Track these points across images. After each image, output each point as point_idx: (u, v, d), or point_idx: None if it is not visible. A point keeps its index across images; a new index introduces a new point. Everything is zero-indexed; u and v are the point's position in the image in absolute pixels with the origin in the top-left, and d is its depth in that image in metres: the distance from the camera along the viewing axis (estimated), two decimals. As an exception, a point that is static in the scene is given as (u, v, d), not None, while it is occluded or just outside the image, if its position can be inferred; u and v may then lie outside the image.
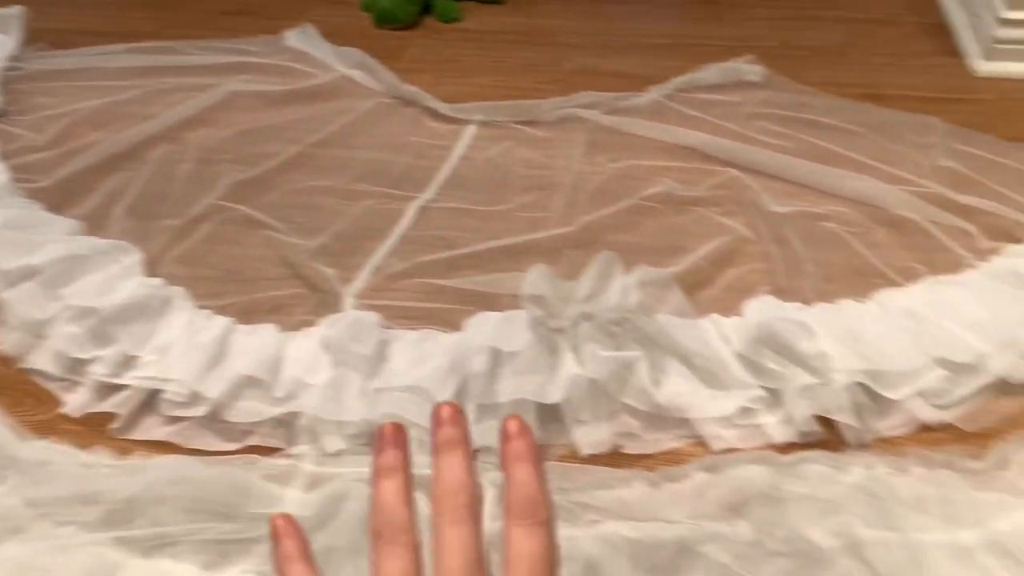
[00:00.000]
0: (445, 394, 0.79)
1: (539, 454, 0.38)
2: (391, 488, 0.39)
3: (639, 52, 1.44)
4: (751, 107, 1.27)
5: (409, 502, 0.39)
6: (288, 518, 0.43)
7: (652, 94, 1.30)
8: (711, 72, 1.34)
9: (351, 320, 0.86)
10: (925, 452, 0.75)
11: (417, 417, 0.79)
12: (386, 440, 0.40)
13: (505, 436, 0.38)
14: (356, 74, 1.38)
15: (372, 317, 0.87)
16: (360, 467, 0.76)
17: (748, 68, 1.34)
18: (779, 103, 1.28)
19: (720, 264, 1.00)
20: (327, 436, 0.80)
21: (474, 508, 0.38)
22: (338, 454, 0.78)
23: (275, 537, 0.42)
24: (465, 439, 0.39)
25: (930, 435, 0.79)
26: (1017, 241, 0.99)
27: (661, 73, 1.34)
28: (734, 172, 1.13)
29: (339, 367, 0.83)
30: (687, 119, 1.25)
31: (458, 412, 0.40)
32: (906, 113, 1.24)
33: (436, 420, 0.39)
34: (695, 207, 1.09)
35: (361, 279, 0.98)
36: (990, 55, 1.33)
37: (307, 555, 0.42)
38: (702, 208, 1.09)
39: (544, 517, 0.37)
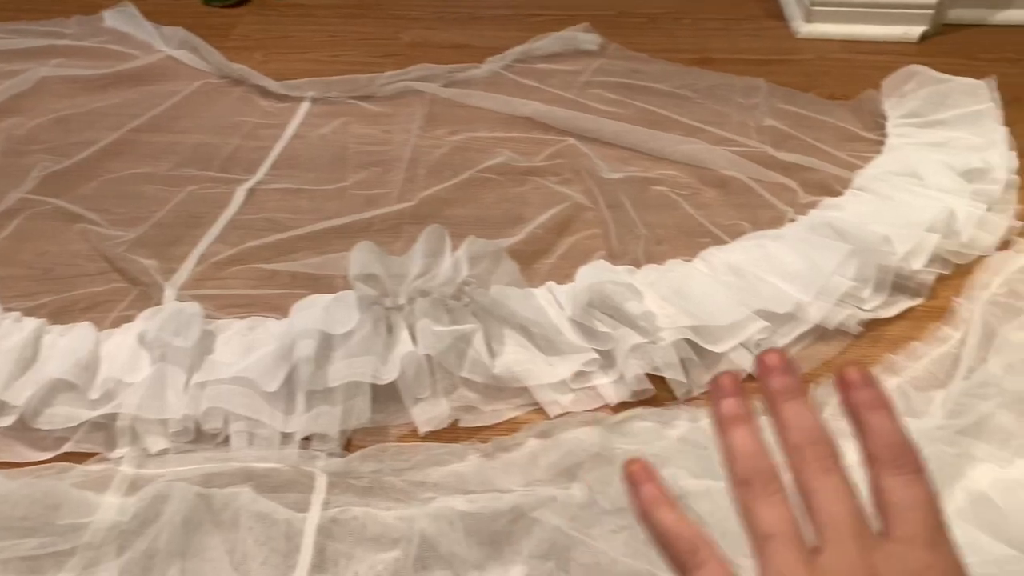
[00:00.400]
0: (274, 383, 0.76)
1: (891, 401, 0.36)
2: (745, 435, 0.37)
3: (476, 23, 1.43)
4: (587, 75, 1.28)
5: (767, 448, 0.37)
6: (642, 462, 0.39)
7: (490, 65, 1.30)
8: (548, 42, 1.34)
9: (171, 312, 0.82)
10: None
11: (244, 409, 0.76)
12: (725, 390, 0.38)
13: (847, 385, 0.36)
14: (181, 54, 1.31)
15: (194, 308, 0.83)
16: (185, 465, 0.73)
17: (584, 37, 1.36)
18: (614, 71, 1.29)
19: (558, 232, 1.01)
20: (149, 436, 0.76)
21: (837, 456, 0.36)
22: (162, 454, 0.75)
23: (632, 483, 0.38)
24: (802, 385, 0.37)
25: (754, 384, 0.81)
26: (834, 194, 1.04)
27: (498, 44, 1.34)
28: (571, 140, 1.14)
29: (159, 363, 0.79)
30: (525, 89, 1.25)
31: (786, 358, 0.37)
32: (734, 76, 1.28)
33: (763, 369, 0.37)
34: (533, 176, 1.09)
35: (185, 269, 0.94)
36: (809, 17, 1.39)
37: (671, 498, 0.38)
38: (540, 177, 1.09)
39: (921, 464, 0.35)
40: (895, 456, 0.35)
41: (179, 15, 1.39)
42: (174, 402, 0.76)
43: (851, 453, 0.36)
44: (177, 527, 0.66)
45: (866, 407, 0.36)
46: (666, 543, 0.37)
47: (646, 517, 0.38)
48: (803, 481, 0.36)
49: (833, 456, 0.36)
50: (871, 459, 0.35)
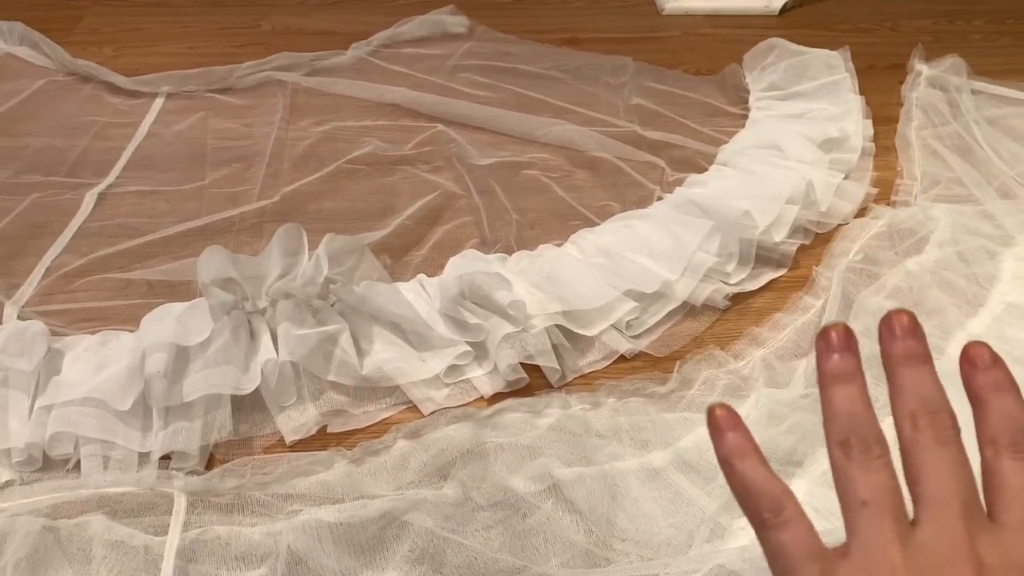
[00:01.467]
0: (126, 402, 0.72)
1: (1016, 385, 0.34)
2: (849, 394, 0.34)
3: (340, 8, 1.38)
4: (455, 59, 1.26)
5: (872, 409, 0.34)
6: (727, 408, 0.36)
7: (355, 51, 1.26)
8: (414, 25, 1.31)
9: (11, 332, 0.77)
10: (616, 383, 0.78)
11: (96, 432, 0.72)
12: (834, 344, 0.35)
13: (972, 363, 0.34)
14: (20, 51, 1.23)
15: (37, 326, 0.77)
16: (31, 497, 0.68)
17: (451, 19, 1.33)
18: (482, 53, 1.28)
19: (429, 222, 0.99)
20: (-10, 468, 0.71)
21: (957, 429, 0.33)
22: (6, 486, 0.70)
23: (716, 431, 0.35)
24: (927, 352, 0.35)
25: (627, 365, 0.82)
26: (700, 170, 1.05)
27: (364, 29, 1.30)
28: (440, 127, 1.12)
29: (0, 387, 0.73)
30: (392, 75, 1.22)
31: (916, 320, 0.35)
32: (602, 55, 1.28)
33: (890, 329, 0.35)
34: (403, 166, 1.07)
35: (29, 284, 0.88)
36: (673, -7, 1.40)
37: (757, 448, 0.35)
38: (409, 166, 1.07)
39: None
40: (1015, 440, 0.33)
41: (18, 7, 1.30)
42: (17, 430, 0.71)
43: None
44: (22, 565, 0.62)
45: (991, 388, 0.34)
46: (748, 498, 0.35)
47: (728, 468, 0.36)
48: (913, 451, 0.34)
49: (953, 428, 0.34)
50: (988, 441, 0.34)
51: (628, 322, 0.85)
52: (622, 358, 0.83)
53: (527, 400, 0.76)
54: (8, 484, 0.70)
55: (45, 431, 0.71)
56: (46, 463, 0.72)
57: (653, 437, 0.73)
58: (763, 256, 0.92)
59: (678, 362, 0.80)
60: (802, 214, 0.94)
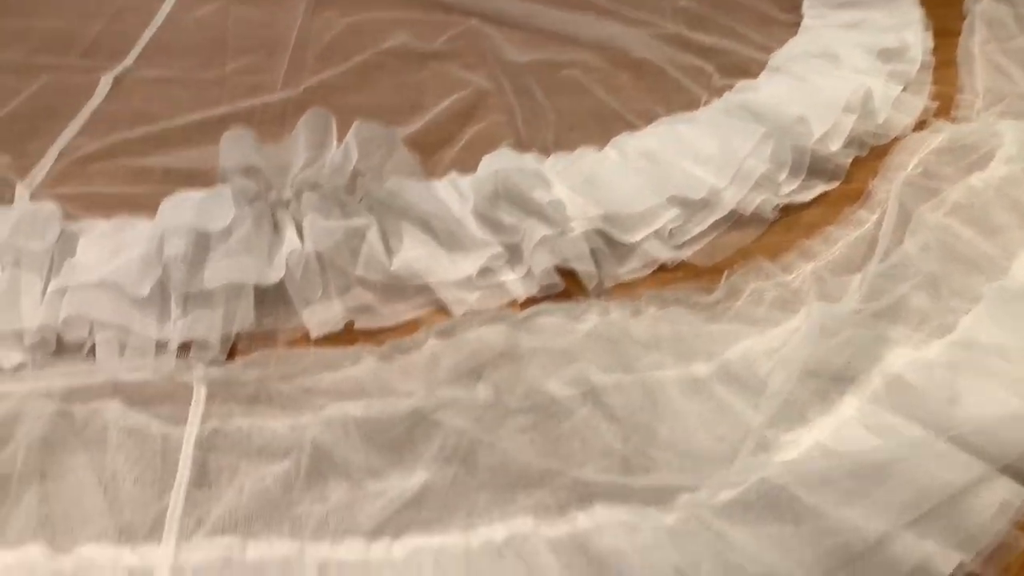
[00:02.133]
0: (144, 287, 0.69)
1: None
2: None
3: None
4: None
5: None
6: None
7: (385, -60, 1.18)
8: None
9: (23, 213, 0.73)
10: (658, 292, 0.74)
11: (111, 316, 0.68)
12: None
13: None
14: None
15: (50, 208, 0.73)
16: (44, 380, 0.65)
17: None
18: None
19: (461, 121, 0.94)
20: (2, 350, 0.67)
21: None
22: (17, 369, 0.67)
23: None
24: None
25: (667, 275, 0.78)
26: (749, 77, 0.99)
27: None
28: (474, 22, 1.06)
29: (11, 268, 0.70)
30: (424, -33, 1.15)
31: None
32: (648, -46, 1.20)
33: None
34: (433, 61, 1.01)
35: (43, 166, 0.83)
36: None
37: None
38: (440, 62, 1.01)
39: None
40: None
41: None
42: (29, 311, 0.68)
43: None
44: (35, 447, 0.59)
45: None
46: None
47: None
48: None
49: None
50: None
51: (671, 230, 0.80)
52: (663, 268, 0.78)
53: (564, 304, 0.72)
54: (20, 367, 0.67)
55: (58, 314, 0.68)
56: (59, 347, 0.68)
57: (696, 348, 0.69)
58: (815, 167, 0.86)
59: (726, 271, 0.75)
60: (859, 124, 0.89)
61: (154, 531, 0.57)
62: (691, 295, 0.73)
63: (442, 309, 0.74)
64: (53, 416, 0.61)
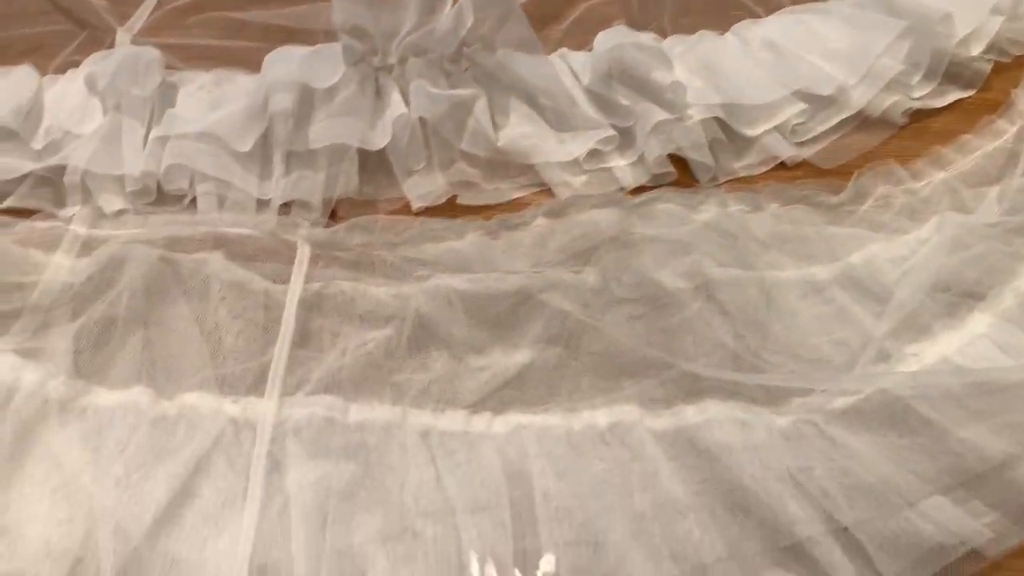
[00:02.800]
0: (246, 142, 0.67)
1: None
2: None
3: None
4: None
5: None
6: None
7: None
8: None
9: (125, 56, 0.70)
10: (782, 187, 0.69)
11: (213, 169, 0.66)
12: None
13: None
14: None
15: (152, 53, 0.71)
16: (145, 227, 0.64)
17: None
18: None
19: (569, -5, 0.88)
20: (103, 194, 0.66)
21: None
22: (118, 215, 0.66)
23: None
24: None
25: (786, 173, 0.73)
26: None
27: None
28: None
29: (113, 113, 0.68)
30: None
31: None
32: None
33: None
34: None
35: (141, 13, 0.81)
36: None
37: None
38: (551, -66, 0.94)
39: None
40: None
41: None
42: (131, 157, 0.66)
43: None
44: (138, 293, 0.58)
45: None
46: None
47: None
48: None
49: None
50: None
51: (794, 126, 0.75)
52: (782, 165, 0.74)
53: (683, 192, 0.68)
54: (122, 212, 0.66)
55: (160, 163, 0.66)
56: (160, 197, 0.67)
57: (818, 250, 0.66)
58: (952, 72, 0.80)
59: (856, 171, 0.71)
60: (1006, 27, 0.81)
61: (256, 385, 0.57)
62: (817, 194, 0.69)
63: (546, 191, 0.71)
64: (156, 264, 0.60)
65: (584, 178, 0.72)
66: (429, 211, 0.69)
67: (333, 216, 0.68)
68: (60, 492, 0.51)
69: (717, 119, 0.73)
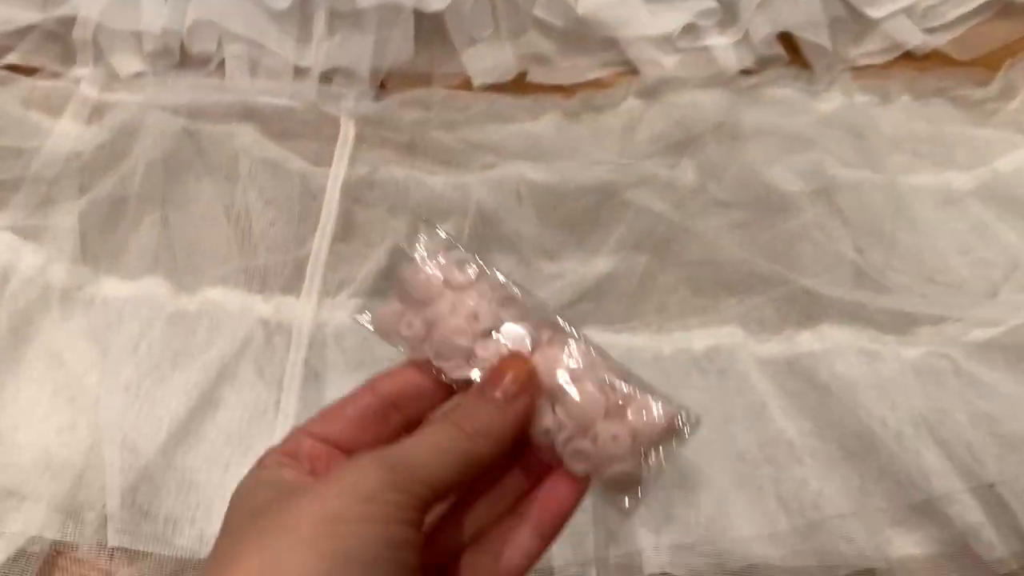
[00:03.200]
0: (284, -2, 0.56)
1: None
2: None
3: None
4: None
5: None
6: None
7: None
8: None
9: None
10: (915, 77, 0.58)
11: (244, 29, 0.57)
12: None
13: None
14: None
15: None
16: (165, 93, 0.55)
17: None
18: None
19: None
20: (118, 54, 0.57)
21: None
22: (134, 77, 0.56)
23: None
24: None
25: (914, 64, 0.62)
26: None
27: None
28: None
29: (129, -42, 0.58)
30: None
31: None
32: None
33: None
34: None
35: None
36: None
37: None
38: None
39: None
40: None
41: None
42: (151, 11, 0.57)
43: None
44: (155, 167, 0.50)
45: None
46: None
47: None
48: None
49: None
50: None
51: (924, 9, 0.63)
52: (908, 56, 0.62)
53: (803, 75, 0.57)
54: (139, 76, 0.56)
55: (184, 19, 0.56)
56: (183, 60, 0.57)
57: (958, 153, 0.55)
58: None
59: (1008, 60, 0.59)
60: None
61: (292, 283, 0.48)
62: (957, 86, 0.58)
63: (631, 71, 0.61)
64: (177, 134, 0.51)
65: (677, 58, 0.61)
66: (492, 90, 0.58)
67: (382, 89, 0.58)
68: (61, 395, 0.43)
69: (838, -6, 0.61)
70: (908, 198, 0.53)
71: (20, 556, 0.40)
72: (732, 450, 0.44)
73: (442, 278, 0.31)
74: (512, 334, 0.31)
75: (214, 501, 0.41)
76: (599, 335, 0.48)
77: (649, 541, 0.41)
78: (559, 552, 0.40)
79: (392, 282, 0.34)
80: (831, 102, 0.56)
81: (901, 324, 0.49)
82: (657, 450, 0.30)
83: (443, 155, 0.53)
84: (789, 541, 0.42)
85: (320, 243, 0.49)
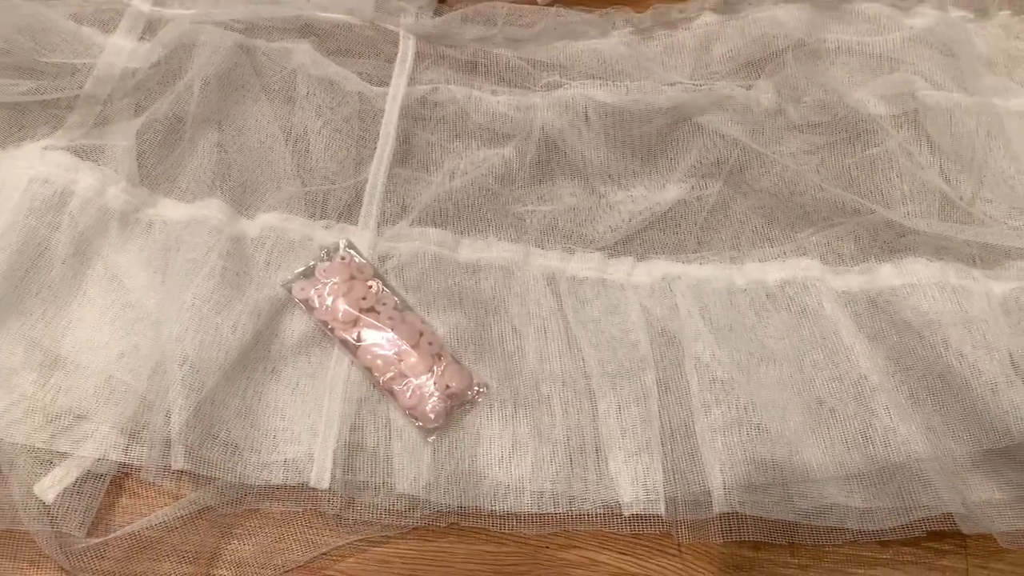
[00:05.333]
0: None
1: None
2: None
3: None
4: None
5: None
6: None
7: None
8: None
9: None
10: (1018, -10, 0.54)
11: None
12: None
13: None
14: None
15: None
16: (214, 6, 0.52)
17: None
18: None
19: None
20: (170, -34, 0.55)
21: None
22: (189, -9, 0.54)
23: None
24: None
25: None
26: None
27: None
28: None
29: None
30: None
31: None
32: None
33: None
34: None
35: None
36: None
37: None
38: None
39: None
40: None
41: None
42: (202, -80, 0.54)
43: None
44: (211, 85, 0.48)
45: None
46: None
47: None
48: None
49: None
50: None
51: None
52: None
53: (893, -13, 0.53)
54: (193, -11, 0.54)
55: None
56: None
57: (1059, 74, 0.51)
58: None
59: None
60: None
61: (350, 209, 0.47)
62: (1063, 0, 0.53)
63: (706, -15, 0.57)
64: (232, 51, 0.49)
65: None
66: (558, 4, 0.55)
67: (442, 3, 0.55)
68: (122, 318, 0.43)
69: None
70: (1003, 123, 0.49)
71: (88, 478, 0.40)
72: (807, 389, 0.42)
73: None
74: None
75: (275, 431, 0.41)
76: (670, 265, 0.46)
77: (719, 480, 0.39)
78: (629, 489, 0.40)
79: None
80: (922, 17, 0.52)
81: (990, 258, 0.46)
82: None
83: (506, 74, 0.51)
84: (864, 483, 0.40)
85: (378, 169, 0.47)
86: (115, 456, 0.41)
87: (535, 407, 0.41)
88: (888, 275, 0.45)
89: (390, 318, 0.43)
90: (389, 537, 0.41)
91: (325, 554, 0.41)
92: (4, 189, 0.44)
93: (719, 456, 0.40)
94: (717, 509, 0.39)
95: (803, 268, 0.46)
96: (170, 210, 0.46)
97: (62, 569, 0.39)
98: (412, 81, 0.50)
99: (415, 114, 0.49)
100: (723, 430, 0.41)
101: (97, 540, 0.39)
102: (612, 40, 0.51)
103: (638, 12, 0.52)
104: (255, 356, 0.43)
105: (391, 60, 0.51)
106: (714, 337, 0.43)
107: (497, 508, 0.40)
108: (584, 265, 0.46)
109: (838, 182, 0.48)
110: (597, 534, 0.41)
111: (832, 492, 0.40)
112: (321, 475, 0.40)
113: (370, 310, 0.43)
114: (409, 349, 0.42)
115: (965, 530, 0.41)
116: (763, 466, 0.40)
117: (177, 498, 0.41)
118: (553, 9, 0.52)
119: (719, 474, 0.40)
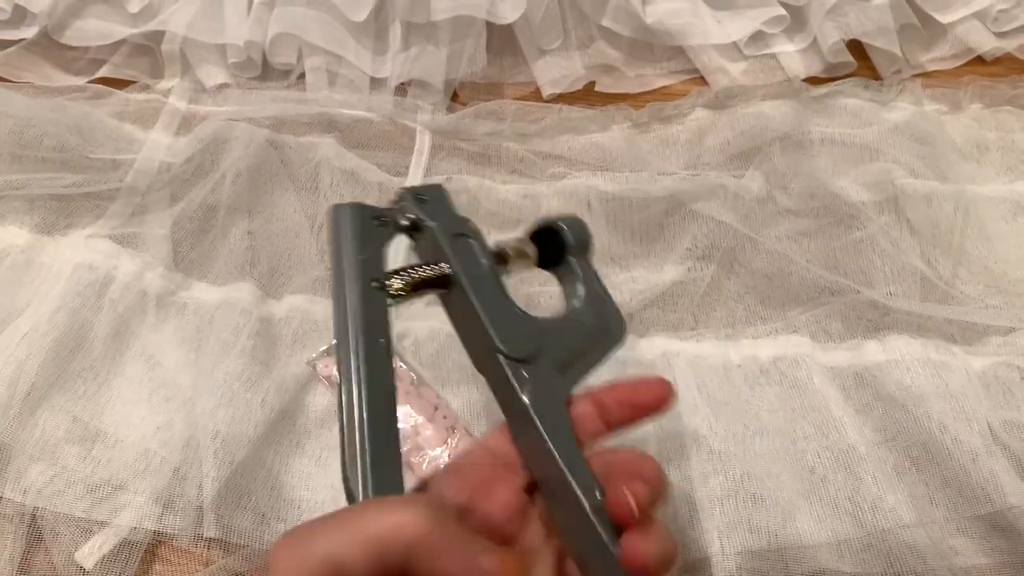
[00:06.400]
0: (361, 11, 0.58)
1: None
2: None
3: None
4: None
5: None
6: None
7: None
8: None
9: (228, -92, 0.62)
10: (986, 85, 0.58)
11: (324, 41, 0.59)
12: None
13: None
14: None
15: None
16: (249, 104, 0.57)
17: None
18: None
19: None
20: (203, 66, 0.60)
21: None
22: (219, 89, 0.59)
23: None
24: None
25: (985, 69, 0.62)
26: None
27: None
28: None
29: (214, -27, 0.61)
30: None
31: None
32: None
33: None
34: None
35: None
36: None
37: None
38: None
39: None
40: None
41: None
42: (234, 24, 0.59)
43: None
44: (242, 177, 0.52)
45: None
46: None
47: None
48: None
49: None
50: None
51: (996, 13, 0.63)
52: (979, 60, 0.62)
53: (871, 86, 0.58)
54: (223, 87, 0.59)
55: (266, 31, 0.59)
56: (265, 71, 0.60)
57: (1029, 162, 0.55)
58: None
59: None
60: None
61: (371, 289, 0.50)
62: (1029, 95, 0.58)
63: (698, 79, 0.62)
64: (262, 146, 0.53)
65: (744, 65, 0.62)
66: (561, 99, 0.60)
67: (454, 100, 0.60)
68: (158, 395, 0.46)
69: (909, 1, 0.61)
70: (977, 208, 0.53)
71: (124, 545, 0.43)
72: (800, 460, 0.45)
73: None
74: None
75: (300, 501, 0.44)
76: (668, 342, 0.50)
77: (717, 546, 0.42)
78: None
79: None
80: (900, 111, 0.56)
81: (969, 334, 0.49)
82: None
83: (515, 165, 0.55)
84: (855, 549, 0.43)
85: (396, 252, 0.51)
86: (150, 524, 0.43)
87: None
88: (873, 351, 0.48)
89: (407, 393, 0.46)
90: (406, 602, 0.43)
91: (346, 619, 0.43)
92: (52, 275, 0.48)
93: (717, 523, 0.43)
94: (716, 574, 0.41)
95: (794, 345, 0.49)
96: (203, 293, 0.50)
97: (99, 633, 0.42)
98: (428, 172, 0.54)
99: (430, 201, 0.53)
100: (720, 499, 0.43)
101: (132, 605, 0.42)
102: (612, 134, 0.56)
103: (636, 108, 0.57)
104: (281, 429, 0.46)
105: (408, 153, 0.55)
106: (711, 410, 0.46)
107: None
108: (588, 342, 0.49)
109: (825, 264, 0.51)
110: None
111: (825, 557, 0.42)
112: (343, 543, 0.42)
113: (388, 386, 0.47)
114: (425, 422, 0.46)
115: (953, 594, 0.43)
116: (759, 533, 0.42)
117: (208, 564, 0.43)
118: (558, 107, 0.57)
119: (717, 540, 0.42)
